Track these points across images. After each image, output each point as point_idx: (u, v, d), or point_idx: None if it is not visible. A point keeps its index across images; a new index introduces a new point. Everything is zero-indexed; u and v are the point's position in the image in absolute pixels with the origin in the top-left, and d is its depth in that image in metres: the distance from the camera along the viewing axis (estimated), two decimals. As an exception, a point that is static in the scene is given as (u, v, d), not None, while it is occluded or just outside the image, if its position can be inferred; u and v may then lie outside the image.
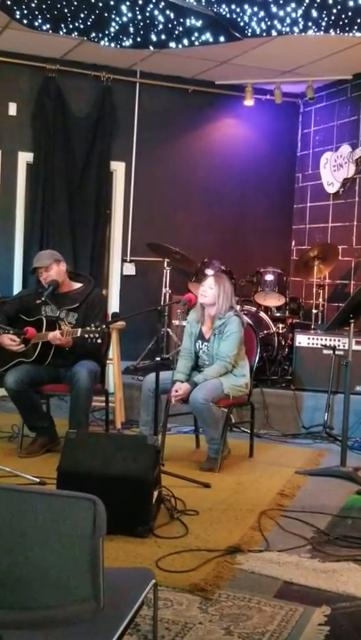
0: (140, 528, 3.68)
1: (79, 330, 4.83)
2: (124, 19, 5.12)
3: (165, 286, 7.19)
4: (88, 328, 4.75)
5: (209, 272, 6.75)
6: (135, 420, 6.01)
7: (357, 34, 4.99)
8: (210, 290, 5.17)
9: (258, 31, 5.10)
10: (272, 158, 8.30)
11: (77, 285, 5.36)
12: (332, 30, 4.96)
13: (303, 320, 7.26)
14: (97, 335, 4.70)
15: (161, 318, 6.37)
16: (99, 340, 4.76)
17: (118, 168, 7.68)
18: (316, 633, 2.79)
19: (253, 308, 6.87)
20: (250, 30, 5.10)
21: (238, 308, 5.48)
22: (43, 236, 7.20)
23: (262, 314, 6.86)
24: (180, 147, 7.94)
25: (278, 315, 7.08)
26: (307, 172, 8.25)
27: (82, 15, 5.14)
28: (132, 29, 5.30)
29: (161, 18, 5.07)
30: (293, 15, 4.76)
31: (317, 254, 6.96)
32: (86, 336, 4.74)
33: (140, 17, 5.08)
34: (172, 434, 5.72)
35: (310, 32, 5.02)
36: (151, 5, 4.93)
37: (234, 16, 4.90)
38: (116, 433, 5.82)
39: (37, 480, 4.35)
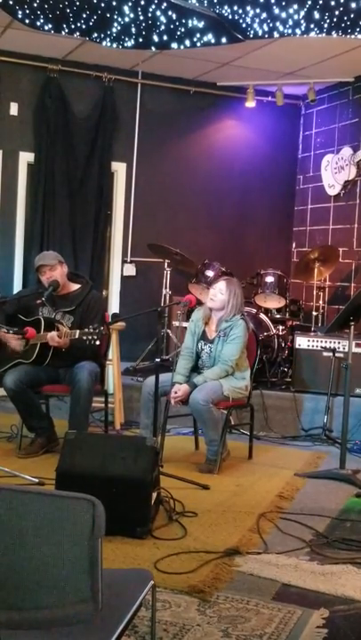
0: (138, 529, 3.67)
1: (77, 331, 4.83)
2: (127, 19, 5.11)
3: (166, 287, 7.19)
4: (86, 330, 4.75)
5: (209, 273, 6.75)
6: (134, 421, 6.01)
7: (359, 36, 4.99)
8: (220, 295, 5.14)
9: (260, 33, 5.10)
10: (273, 160, 8.30)
11: (75, 287, 5.35)
12: (334, 32, 4.96)
13: (303, 322, 7.25)
14: (95, 337, 4.70)
15: (161, 319, 6.36)
16: (97, 342, 4.76)
17: (119, 169, 7.68)
18: (315, 635, 2.78)
19: (253, 310, 6.86)
20: (252, 32, 5.10)
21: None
22: (43, 236, 7.20)
23: (262, 315, 6.85)
24: (182, 148, 7.94)
25: (278, 317, 7.08)
26: (308, 174, 8.25)
27: (84, 15, 5.14)
28: (134, 30, 5.30)
29: (163, 19, 5.07)
30: (296, 17, 4.76)
31: (318, 256, 6.95)
32: (84, 338, 4.74)
33: (142, 17, 5.08)
34: (172, 435, 5.71)
35: (312, 34, 5.02)
36: (153, 6, 4.93)
37: (236, 17, 4.90)
38: (116, 434, 5.81)
39: (36, 480, 4.34)
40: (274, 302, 7.00)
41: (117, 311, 7.51)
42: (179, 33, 5.26)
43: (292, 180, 8.45)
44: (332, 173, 7.72)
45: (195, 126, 7.97)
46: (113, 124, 7.49)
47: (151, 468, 3.82)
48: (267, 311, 7.03)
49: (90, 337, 4.71)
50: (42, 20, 5.28)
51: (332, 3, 4.56)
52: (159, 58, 6.99)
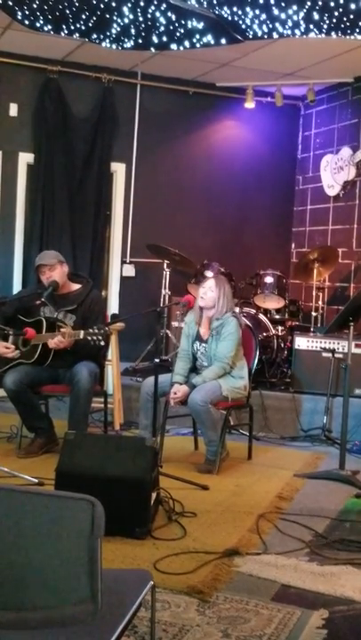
0: (137, 530, 3.67)
1: (82, 332, 4.81)
2: (126, 20, 5.12)
3: (165, 288, 7.19)
4: (91, 330, 4.74)
5: (208, 274, 6.74)
6: (134, 421, 6.01)
7: (359, 37, 4.99)
8: (210, 292, 5.15)
9: (259, 33, 5.11)
10: (272, 160, 8.30)
11: (76, 287, 5.35)
12: (333, 33, 4.96)
13: (303, 323, 7.25)
14: (100, 337, 4.69)
15: (160, 320, 6.35)
16: (102, 343, 4.75)
17: (118, 169, 7.69)
18: (314, 636, 2.78)
19: (253, 311, 6.87)
20: (251, 33, 5.11)
21: (237, 309, 5.46)
22: (43, 236, 7.21)
23: (262, 316, 6.86)
24: (181, 148, 7.94)
25: (278, 317, 7.08)
26: (307, 175, 8.25)
27: (83, 16, 5.15)
28: (133, 31, 5.30)
29: (162, 19, 5.08)
30: (295, 18, 4.76)
31: (317, 257, 6.96)
32: (89, 338, 4.73)
33: (141, 18, 5.08)
34: (171, 435, 5.71)
35: (312, 35, 5.02)
36: (153, 7, 4.93)
37: (235, 18, 4.90)
38: (115, 434, 5.81)
39: (36, 481, 4.34)
40: (273, 303, 7.00)
41: (117, 311, 7.51)
42: (178, 34, 5.27)
43: (292, 181, 8.45)
44: (332, 174, 7.73)
45: (194, 127, 7.97)
46: (112, 124, 7.50)
47: (150, 468, 3.82)
48: (266, 312, 7.03)
49: (95, 337, 4.70)
50: (41, 21, 5.29)
51: (332, 3, 4.56)
52: (158, 59, 6.99)
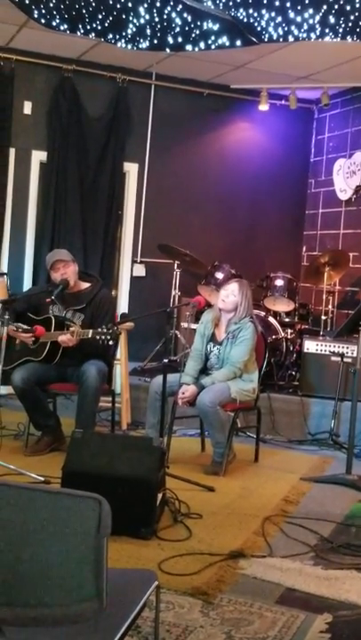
0: (143, 530, 3.67)
1: (90, 331, 4.82)
2: (142, 21, 5.13)
3: (175, 288, 7.19)
4: (100, 329, 4.75)
5: (219, 275, 6.75)
6: (141, 421, 6.01)
7: (374, 41, 4.99)
8: (232, 297, 5.13)
9: (275, 36, 5.10)
10: (285, 163, 8.29)
11: (85, 286, 5.36)
12: (348, 37, 4.96)
13: (312, 326, 7.24)
14: (108, 337, 4.70)
15: (170, 320, 6.36)
16: (110, 342, 4.75)
17: (131, 169, 7.70)
18: (318, 640, 2.78)
19: (262, 313, 6.85)
20: (266, 35, 5.11)
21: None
22: (54, 234, 7.22)
23: (271, 319, 6.85)
24: (194, 150, 7.94)
25: (287, 320, 7.07)
26: (319, 178, 8.24)
27: (99, 16, 5.16)
28: (148, 31, 5.31)
29: (178, 20, 5.08)
30: (311, 21, 4.76)
31: (328, 260, 6.94)
32: (98, 337, 4.73)
33: (157, 19, 5.09)
34: (178, 436, 5.72)
35: (327, 38, 5.02)
36: (169, 8, 4.94)
37: (251, 21, 4.90)
38: (122, 434, 5.82)
39: (42, 479, 4.35)
40: (283, 305, 6.99)
41: (126, 311, 7.52)
42: (193, 35, 5.27)
43: (304, 184, 8.44)
44: (344, 178, 7.71)
45: (207, 128, 7.98)
46: (126, 124, 7.51)
47: (157, 468, 3.82)
48: (276, 314, 7.02)
49: (104, 337, 4.70)
50: (57, 20, 5.30)
51: (348, 7, 4.56)
52: (173, 59, 7.00)
